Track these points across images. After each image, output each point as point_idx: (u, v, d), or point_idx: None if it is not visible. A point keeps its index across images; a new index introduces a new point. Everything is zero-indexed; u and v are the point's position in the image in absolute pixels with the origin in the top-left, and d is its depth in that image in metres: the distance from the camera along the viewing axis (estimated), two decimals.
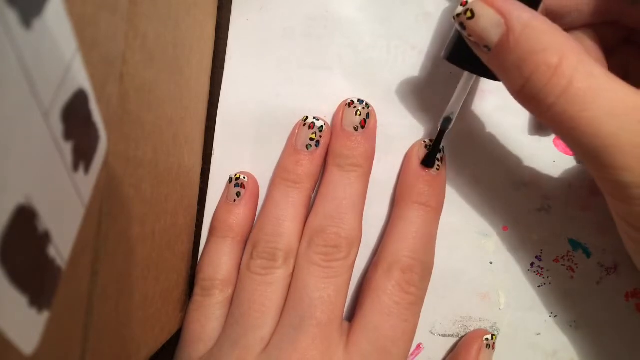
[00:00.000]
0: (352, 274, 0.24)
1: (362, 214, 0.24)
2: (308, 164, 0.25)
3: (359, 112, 0.25)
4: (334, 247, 0.23)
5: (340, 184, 0.24)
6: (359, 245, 0.24)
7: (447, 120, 0.24)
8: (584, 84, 0.17)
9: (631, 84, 0.17)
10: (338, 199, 0.24)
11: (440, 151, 0.25)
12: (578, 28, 0.22)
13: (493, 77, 0.21)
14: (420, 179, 0.24)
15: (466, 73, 0.22)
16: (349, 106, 0.25)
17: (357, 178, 0.24)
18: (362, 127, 0.25)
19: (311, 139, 0.25)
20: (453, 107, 0.23)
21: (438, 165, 0.25)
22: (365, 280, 0.24)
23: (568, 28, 0.22)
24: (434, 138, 0.24)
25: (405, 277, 0.23)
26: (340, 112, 0.25)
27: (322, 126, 0.25)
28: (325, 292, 0.22)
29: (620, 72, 0.22)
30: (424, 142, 0.25)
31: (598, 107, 0.17)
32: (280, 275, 0.23)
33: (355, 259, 0.24)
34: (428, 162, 0.24)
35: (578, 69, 0.17)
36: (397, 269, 0.23)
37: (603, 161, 0.17)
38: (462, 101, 0.23)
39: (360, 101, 0.25)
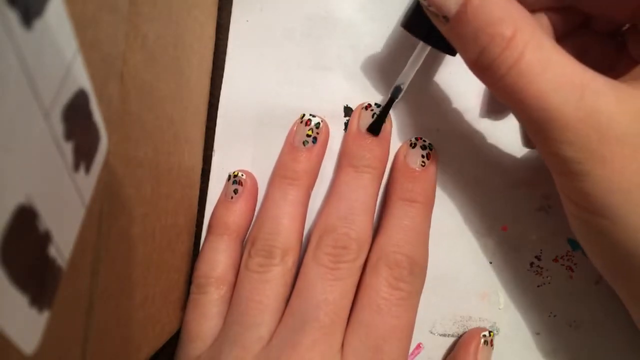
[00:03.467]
0: (359, 276, 0.24)
1: (373, 217, 0.24)
2: (305, 160, 0.25)
3: (375, 115, 0.25)
4: (343, 249, 0.23)
5: (353, 184, 0.24)
6: (368, 248, 0.24)
7: (397, 89, 0.24)
8: (534, 57, 0.17)
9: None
10: (351, 200, 0.24)
11: (385, 120, 0.24)
12: (536, 11, 0.22)
13: (447, 50, 0.21)
14: (404, 176, 0.24)
15: (421, 43, 0.22)
16: (366, 109, 0.25)
17: (371, 180, 0.24)
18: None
19: (308, 136, 0.25)
20: (404, 77, 0.23)
21: (423, 162, 0.25)
22: (359, 279, 0.24)
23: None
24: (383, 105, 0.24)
25: (392, 273, 0.23)
26: (357, 114, 0.25)
27: (318, 123, 0.25)
28: (331, 295, 0.22)
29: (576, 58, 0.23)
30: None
31: (545, 80, 0.17)
32: (277, 272, 0.23)
33: (363, 262, 0.24)
34: (374, 129, 0.24)
35: (530, 42, 0.17)
36: (383, 264, 0.23)
37: (548, 134, 0.18)
38: (414, 71, 0.23)
39: (378, 105, 0.25)
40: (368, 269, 0.23)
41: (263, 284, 0.23)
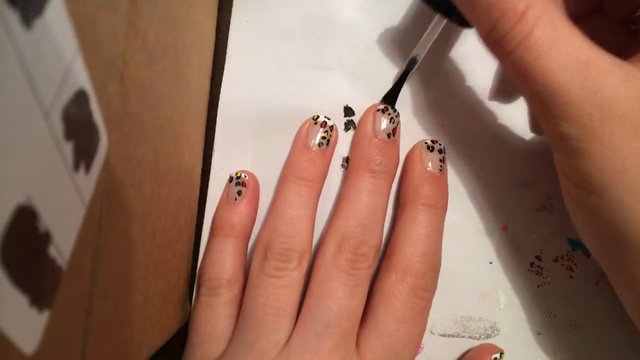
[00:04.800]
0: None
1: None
2: (321, 162, 0.25)
3: (392, 120, 0.24)
4: (363, 256, 0.23)
5: (373, 191, 0.24)
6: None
7: (413, 61, 0.24)
8: (544, 33, 0.17)
9: None
10: (371, 208, 0.24)
11: (397, 96, 0.25)
12: None
13: (462, 23, 0.21)
14: (426, 181, 0.24)
15: (437, 16, 0.23)
16: (383, 112, 0.25)
17: (386, 187, 0.24)
18: (394, 135, 0.24)
19: (323, 138, 0.25)
20: (419, 49, 0.24)
21: (441, 166, 0.25)
22: (377, 284, 0.24)
23: None
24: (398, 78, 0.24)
25: (419, 283, 0.23)
26: (372, 117, 0.25)
27: (332, 126, 0.25)
28: (354, 301, 0.23)
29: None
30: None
31: (552, 57, 0.17)
32: (295, 277, 0.23)
33: (375, 268, 0.24)
34: (389, 99, 0.24)
35: (541, 17, 0.17)
36: (411, 274, 0.23)
37: (551, 111, 0.18)
38: (429, 44, 0.23)
39: (394, 109, 0.25)
40: (394, 278, 0.23)
41: (280, 289, 0.23)
